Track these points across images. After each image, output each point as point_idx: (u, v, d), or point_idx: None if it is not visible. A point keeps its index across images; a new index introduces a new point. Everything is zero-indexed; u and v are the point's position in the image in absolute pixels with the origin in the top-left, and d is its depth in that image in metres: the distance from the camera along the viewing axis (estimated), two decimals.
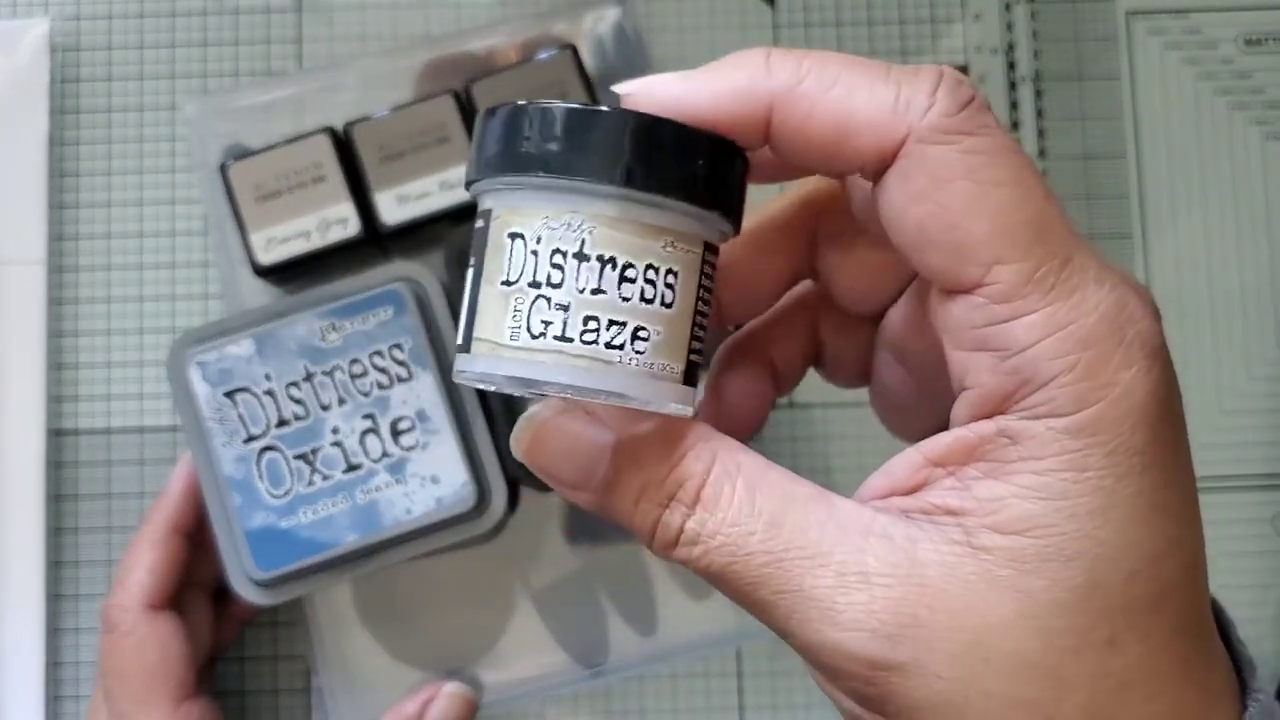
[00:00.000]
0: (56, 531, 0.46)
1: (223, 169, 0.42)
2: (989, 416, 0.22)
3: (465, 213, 0.42)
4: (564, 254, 0.21)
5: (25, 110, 0.47)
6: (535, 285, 0.21)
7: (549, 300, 0.21)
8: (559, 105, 0.21)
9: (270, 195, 0.42)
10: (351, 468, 0.38)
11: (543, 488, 0.37)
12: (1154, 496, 0.22)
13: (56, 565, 0.46)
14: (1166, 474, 0.23)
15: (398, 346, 0.38)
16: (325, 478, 0.38)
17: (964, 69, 0.49)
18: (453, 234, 0.39)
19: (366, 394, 0.38)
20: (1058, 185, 0.49)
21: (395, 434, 0.38)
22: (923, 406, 0.26)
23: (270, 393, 0.38)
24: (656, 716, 0.46)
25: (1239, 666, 0.24)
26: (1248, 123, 0.49)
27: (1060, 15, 0.49)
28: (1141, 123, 0.49)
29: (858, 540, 0.22)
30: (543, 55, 0.42)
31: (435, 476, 0.38)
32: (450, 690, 0.41)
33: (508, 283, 0.21)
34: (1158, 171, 0.49)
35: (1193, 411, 0.50)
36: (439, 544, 0.38)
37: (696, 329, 0.23)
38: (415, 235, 0.42)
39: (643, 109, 0.23)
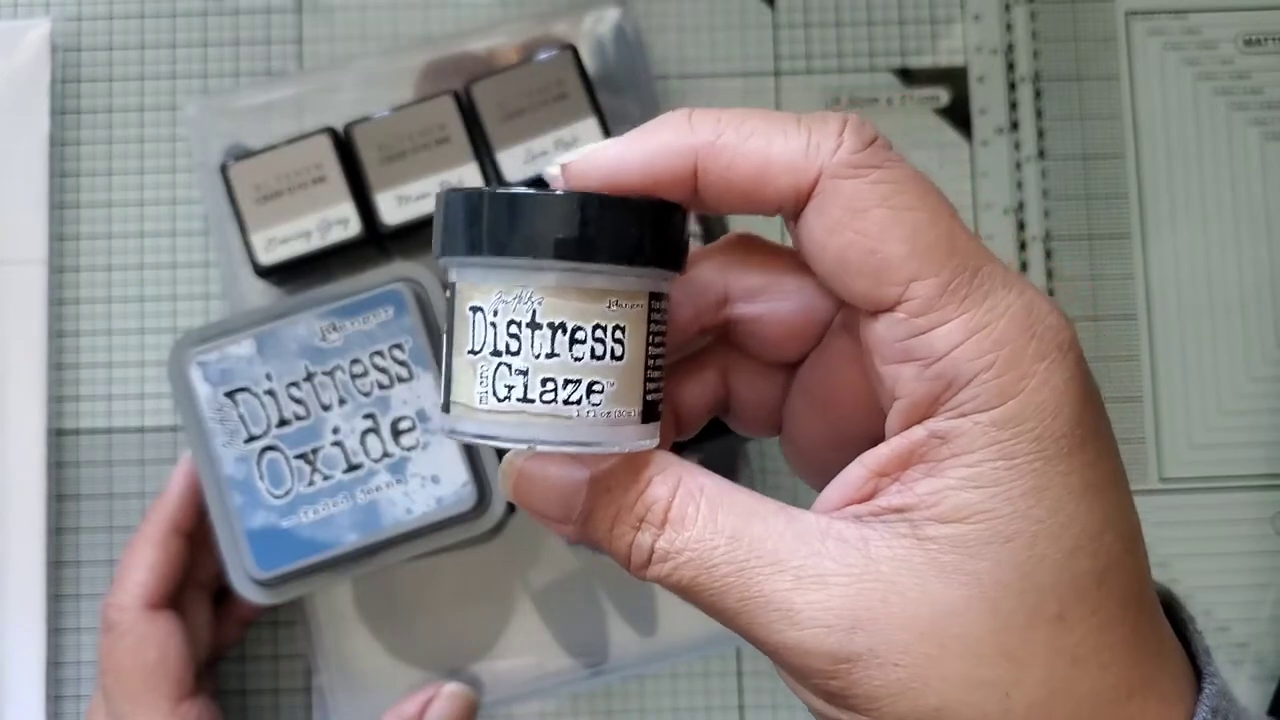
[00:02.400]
0: (57, 531, 0.46)
1: (223, 169, 0.42)
2: (920, 422, 0.24)
3: None
4: (518, 324, 0.24)
5: (26, 110, 0.47)
6: (496, 354, 0.24)
7: (509, 367, 0.24)
8: (506, 191, 0.24)
9: (271, 195, 0.42)
10: (352, 467, 0.38)
11: None
12: (1085, 475, 0.23)
13: (57, 565, 0.46)
14: (1092, 454, 0.24)
15: (398, 346, 0.38)
16: (326, 477, 0.38)
17: (963, 69, 0.49)
18: None
19: (367, 394, 0.38)
20: (1057, 185, 0.49)
21: (396, 434, 0.38)
22: (836, 454, 0.26)
23: (271, 393, 0.38)
24: (656, 716, 0.46)
25: (1194, 654, 0.25)
26: (1247, 123, 0.49)
27: (1060, 16, 0.49)
28: (1141, 123, 0.49)
29: (815, 545, 0.24)
30: (543, 56, 0.42)
31: (435, 476, 0.38)
32: (451, 690, 0.41)
33: (473, 352, 0.24)
34: (1157, 171, 0.49)
35: (1192, 411, 0.50)
36: (439, 544, 0.38)
37: (650, 370, 0.25)
38: (415, 235, 0.42)
39: (581, 176, 0.25)
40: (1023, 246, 0.49)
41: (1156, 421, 0.48)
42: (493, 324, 0.24)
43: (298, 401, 0.38)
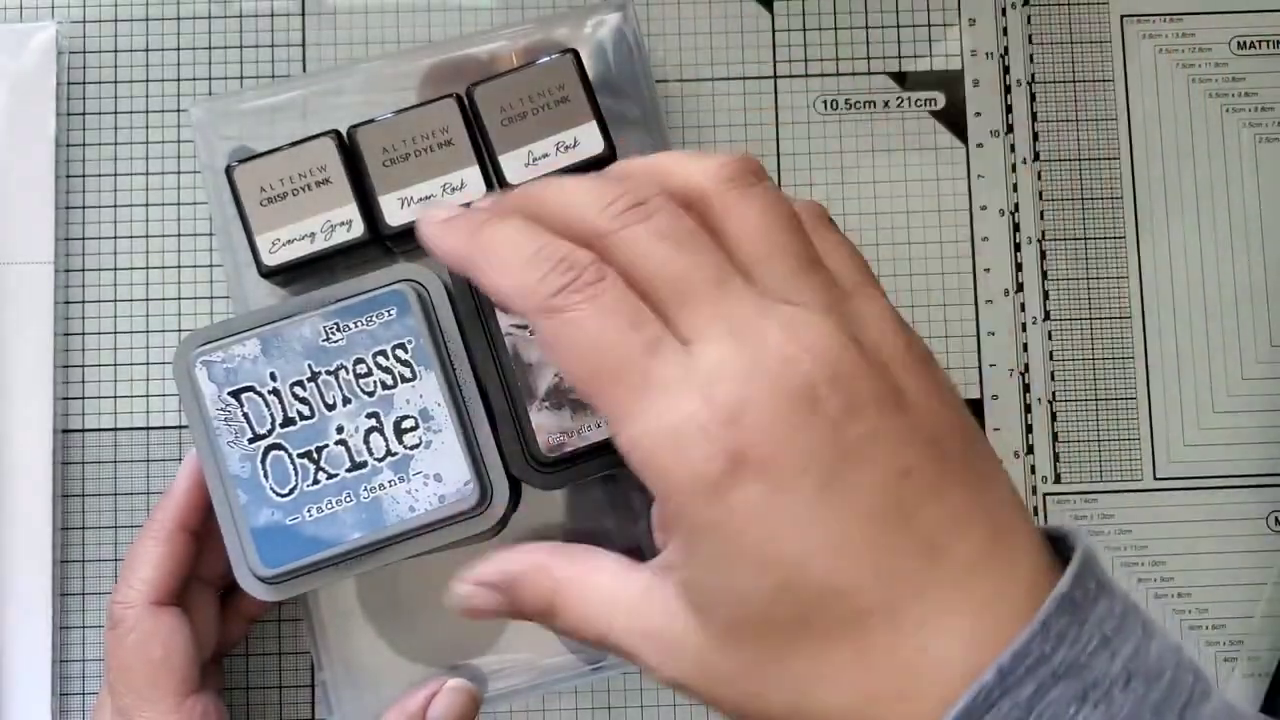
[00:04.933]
0: (64, 529, 0.46)
1: (228, 171, 0.42)
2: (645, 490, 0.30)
3: None
4: None
5: (32, 113, 0.47)
6: None
7: None
8: None
9: (275, 198, 0.42)
10: (356, 466, 0.38)
11: (547, 485, 0.38)
12: (752, 552, 0.28)
13: (64, 563, 0.46)
14: (754, 534, 0.28)
15: (401, 346, 0.38)
16: (330, 476, 0.38)
17: (959, 73, 0.50)
18: None
19: (370, 393, 0.38)
20: (1052, 187, 0.49)
21: (399, 433, 0.38)
22: None
23: (275, 392, 0.38)
24: (656, 710, 0.46)
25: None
26: (1240, 125, 0.50)
27: (1054, 19, 0.50)
28: (1135, 125, 0.50)
29: (639, 610, 0.31)
30: (544, 60, 0.42)
31: (438, 475, 0.38)
32: (454, 685, 0.42)
33: None
34: (1151, 173, 0.49)
35: (1186, 411, 0.51)
36: (441, 541, 0.38)
37: None
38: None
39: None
40: (1018, 248, 0.49)
41: (1150, 421, 0.48)
42: None
43: (302, 401, 0.38)
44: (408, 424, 0.38)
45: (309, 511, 0.38)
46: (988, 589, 0.28)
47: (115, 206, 0.48)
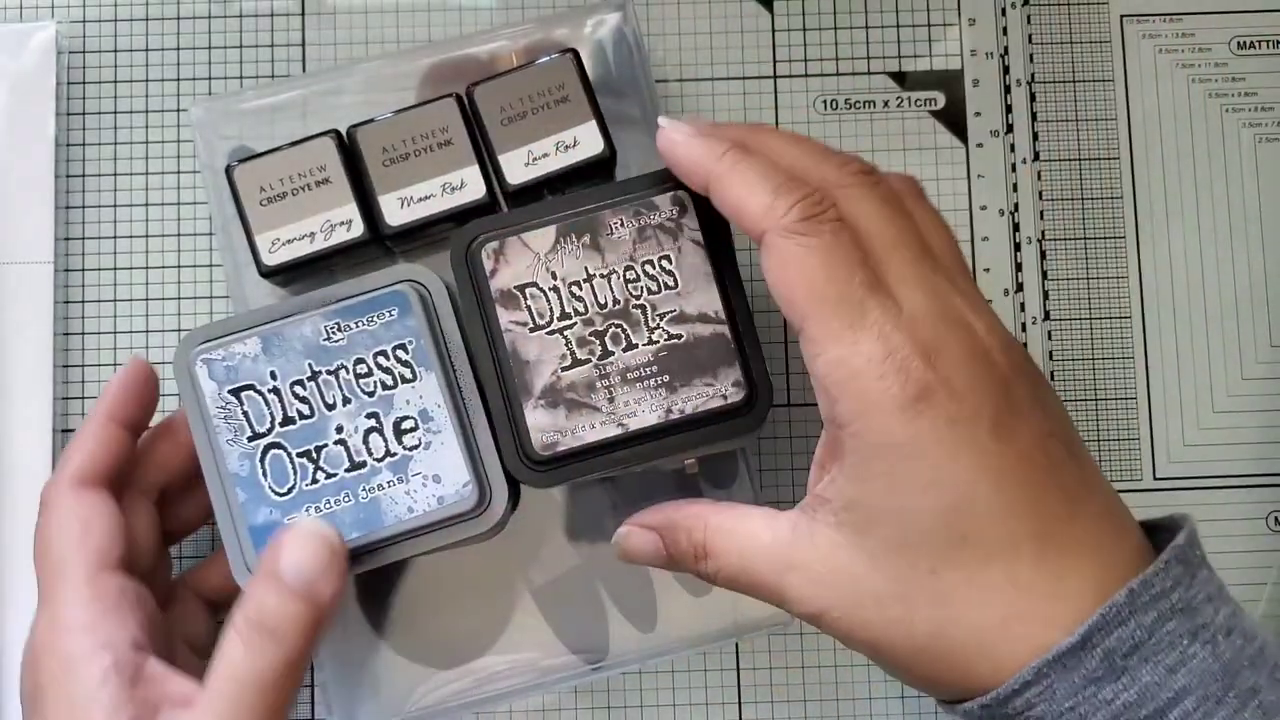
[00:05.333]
0: None
1: (228, 171, 0.42)
2: (827, 416, 0.34)
3: (467, 214, 0.42)
4: None
5: (32, 113, 0.47)
6: None
7: None
8: None
9: (275, 197, 0.42)
10: (355, 466, 0.38)
11: (539, 484, 0.38)
12: (931, 469, 0.32)
13: None
14: (935, 455, 0.32)
15: (401, 347, 0.38)
16: (329, 475, 0.38)
17: (959, 73, 0.50)
18: (457, 234, 0.40)
19: (370, 394, 0.38)
20: (1051, 187, 0.49)
21: (399, 433, 0.38)
22: None
23: (276, 391, 0.38)
24: (656, 710, 0.47)
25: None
26: (1240, 125, 0.50)
27: (1054, 19, 0.50)
28: (1135, 125, 0.50)
29: (786, 548, 0.35)
30: (544, 59, 0.42)
31: (437, 476, 0.38)
32: (303, 529, 0.37)
33: None
34: (1151, 173, 0.49)
35: (1185, 411, 0.51)
36: (440, 542, 0.38)
37: None
38: (418, 237, 0.43)
39: (664, 147, 0.37)
40: (1018, 248, 0.49)
41: (1150, 421, 0.48)
42: None
43: (302, 400, 0.38)
44: (407, 425, 0.38)
45: (307, 510, 0.38)
46: (1109, 542, 0.33)
47: (115, 206, 0.48)
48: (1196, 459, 0.48)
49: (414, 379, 0.38)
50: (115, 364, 0.47)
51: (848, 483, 0.33)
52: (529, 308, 0.38)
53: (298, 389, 0.38)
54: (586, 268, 0.38)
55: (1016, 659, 0.31)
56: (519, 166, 0.42)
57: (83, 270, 0.48)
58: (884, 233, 0.35)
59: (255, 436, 0.38)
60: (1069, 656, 0.31)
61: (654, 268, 0.38)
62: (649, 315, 0.38)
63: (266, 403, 0.38)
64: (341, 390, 0.38)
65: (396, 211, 0.42)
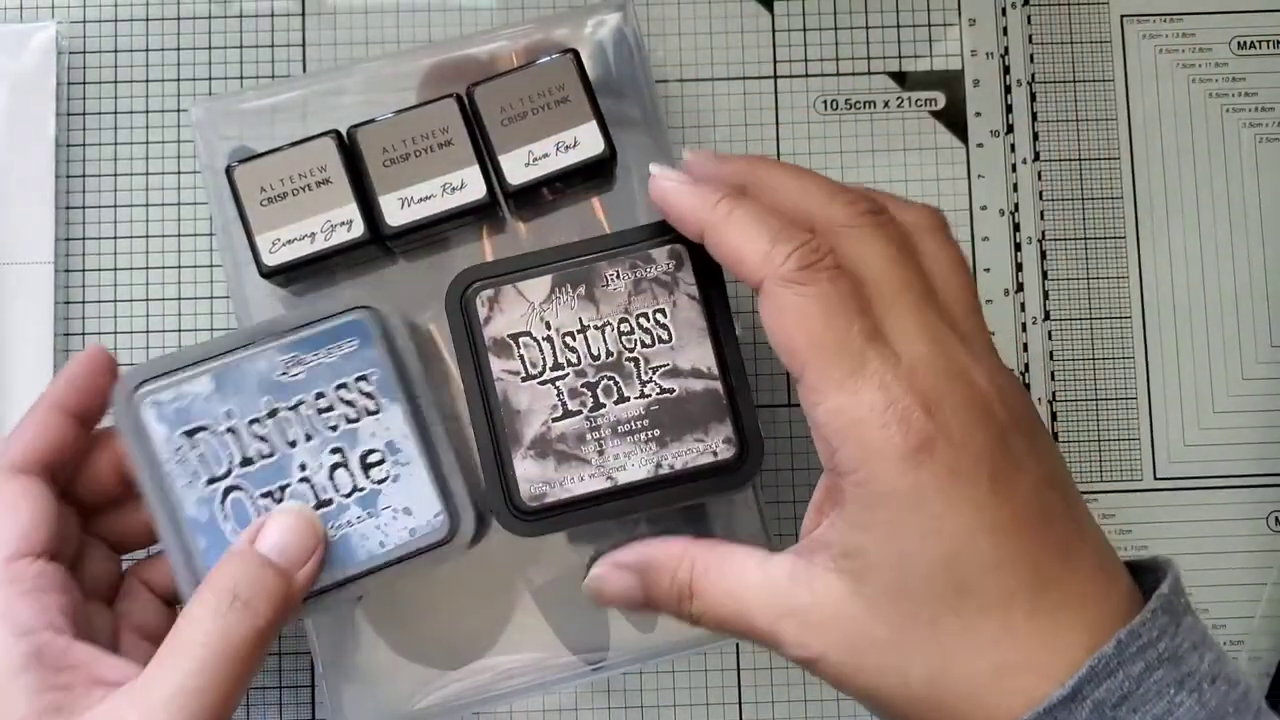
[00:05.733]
0: None
1: (228, 172, 0.42)
2: (828, 464, 0.34)
3: (467, 215, 0.42)
4: None
5: (32, 113, 0.47)
6: None
7: None
8: None
9: (276, 198, 0.42)
10: (321, 504, 0.37)
11: (525, 533, 0.38)
12: (934, 519, 0.32)
13: None
14: (939, 504, 0.32)
15: (364, 379, 0.37)
16: None
17: (959, 73, 0.50)
18: (453, 280, 0.39)
19: (334, 428, 0.37)
20: (1052, 187, 0.49)
21: (365, 467, 0.37)
22: None
23: (232, 430, 0.37)
24: (656, 710, 0.47)
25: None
26: (1240, 125, 0.50)
27: (1055, 19, 0.50)
28: (1135, 125, 0.50)
29: (782, 594, 0.34)
30: (544, 59, 0.42)
31: (408, 508, 0.37)
32: (293, 510, 0.37)
33: None
34: (1151, 173, 0.49)
35: (1186, 411, 0.51)
36: (411, 572, 0.38)
37: None
38: (418, 237, 0.43)
39: (655, 193, 0.37)
40: (1018, 248, 0.49)
41: (1151, 421, 0.48)
42: None
43: (261, 439, 0.37)
44: (374, 458, 0.37)
45: None
46: (1100, 592, 0.33)
47: (115, 206, 0.48)
48: (1197, 459, 0.48)
49: (378, 411, 0.37)
50: (116, 365, 0.47)
51: (848, 529, 0.33)
52: (522, 357, 0.38)
53: (256, 427, 0.37)
54: (581, 318, 0.38)
55: (1010, 711, 0.32)
56: (519, 167, 0.42)
57: (83, 270, 0.48)
58: (886, 278, 0.34)
59: (213, 480, 0.37)
60: (1060, 708, 0.31)
61: (648, 321, 0.38)
62: (642, 368, 0.38)
63: (223, 444, 0.37)
64: (303, 426, 0.37)
65: (397, 212, 0.42)
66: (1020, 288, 0.49)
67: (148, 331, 0.47)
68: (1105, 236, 0.49)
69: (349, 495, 0.37)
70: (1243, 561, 0.48)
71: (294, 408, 0.37)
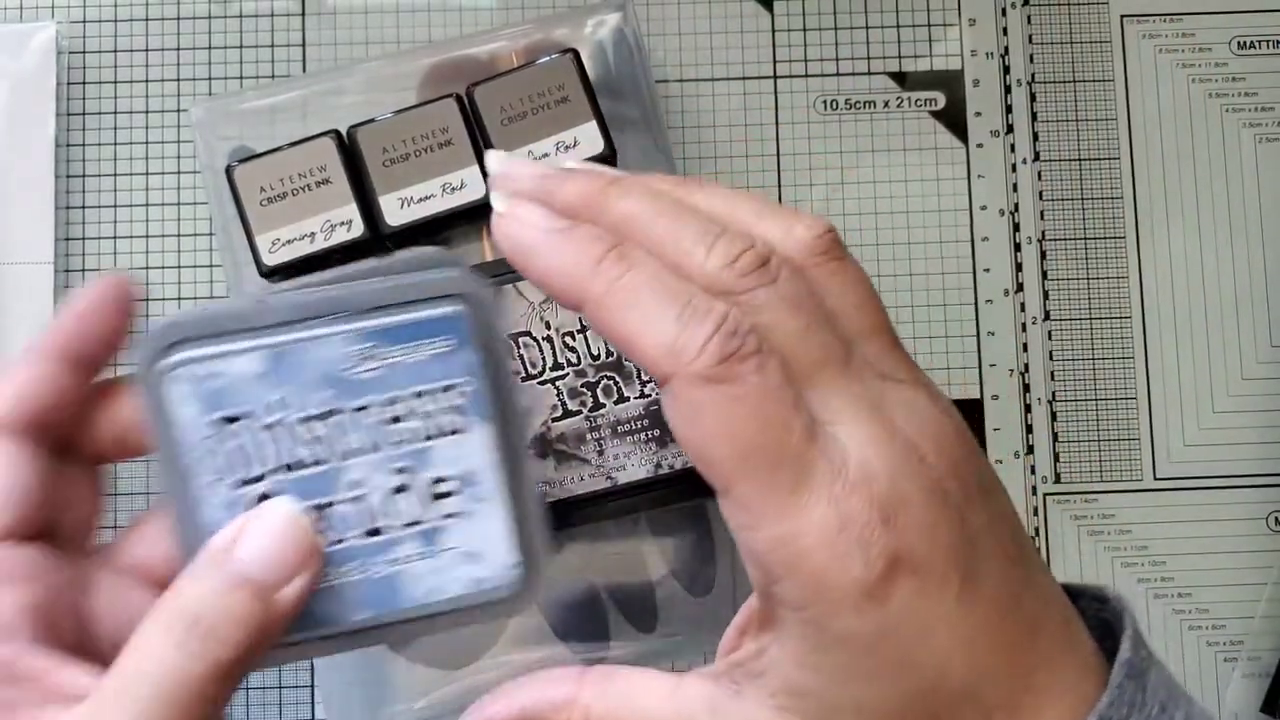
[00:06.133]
0: None
1: (228, 171, 0.42)
2: (762, 591, 0.27)
3: (466, 215, 0.42)
4: None
5: (32, 113, 0.47)
6: None
7: None
8: None
9: (275, 198, 0.42)
10: (372, 532, 0.30)
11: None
12: (895, 655, 0.26)
13: None
14: (896, 644, 0.26)
15: (452, 388, 0.30)
16: (338, 541, 0.29)
17: (959, 73, 0.50)
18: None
19: (404, 443, 0.30)
20: (1052, 187, 0.49)
21: (433, 497, 0.30)
22: None
23: (279, 426, 0.29)
24: None
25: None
26: (1240, 125, 0.50)
27: (1055, 19, 0.50)
28: (1135, 125, 0.50)
29: (702, 716, 0.28)
30: (544, 59, 0.42)
31: (475, 554, 0.30)
32: (280, 513, 0.29)
33: None
34: (1151, 173, 0.49)
35: (1186, 411, 0.51)
36: (461, 625, 0.31)
37: None
38: (417, 237, 0.43)
39: (501, 234, 0.28)
40: (1018, 248, 0.49)
41: (1150, 421, 0.48)
42: None
43: (312, 442, 0.29)
44: (445, 487, 0.30)
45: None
46: (1069, 664, 0.28)
47: (115, 206, 0.48)
48: (1197, 459, 0.48)
49: (462, 430, 0.30)
50: (114, 364, 0.47)
51: (794, 668, 0.27)
52: (521, 357, 0.38)
53: (308, 427, 0.29)
54: (581, 318, 0.38)
55: None
56: None
57: (83, 270, 0.48)
58: (801, 350, 0.27)
59: (246, 482, 0.29)
60: None
61: None
62: (641, 368, 0.38)
63: (264, 440, 0.29)
64: (366, 434, 0.29)
65: (397, 211, 0.42)
66: (1020, 288, 0.49)
67: (147, 332, 0.47)
68: (1105, 236, 0.49)
69: (407, 527, 0.30)
70: (1243, 562, 0.48)
71: (359, 410, 0.29)
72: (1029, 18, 0.50)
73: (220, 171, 0.43)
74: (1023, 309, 0.49)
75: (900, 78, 0.50)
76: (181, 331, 0.29)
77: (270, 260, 0.42)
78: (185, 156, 0.48)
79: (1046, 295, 0.49)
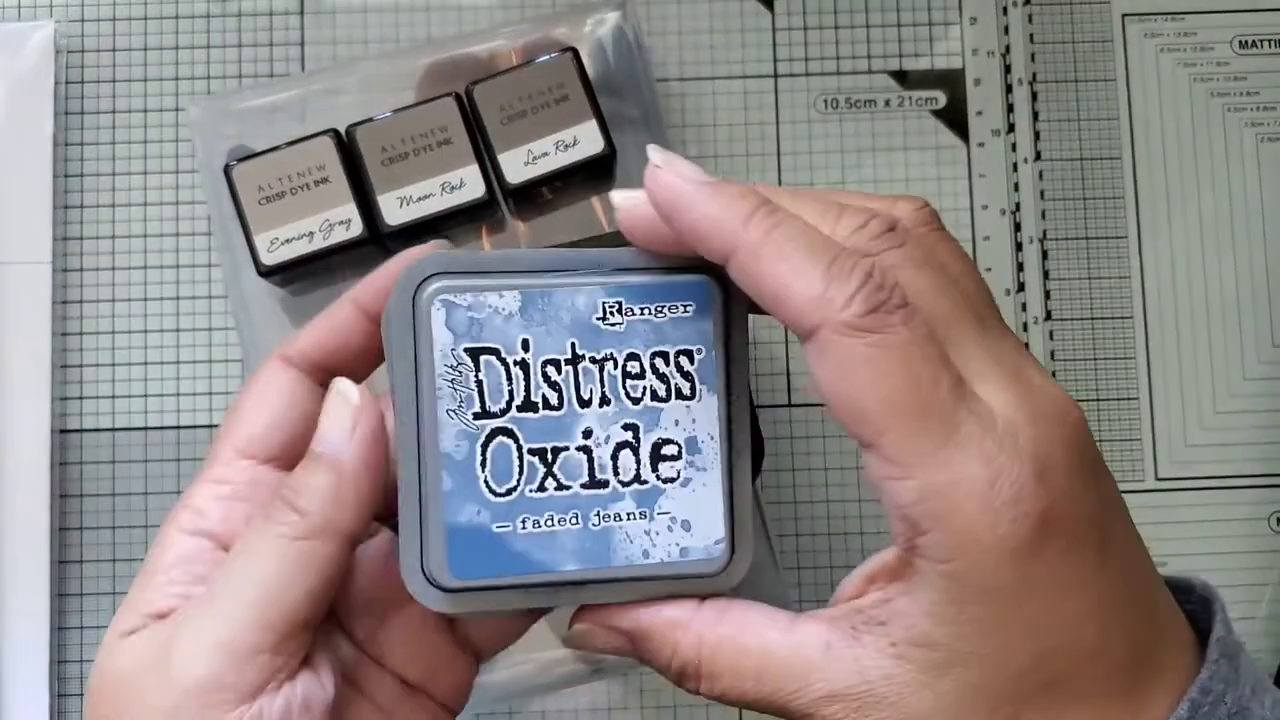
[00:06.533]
0: (61, 530, 0.46)
1: (227, 170, 0.42)
2: (901, 544, 0.28)
3: (466, 214, 0.42)
4: None
5: (30, 112, 0.47)
6: None
7: None
8: None
9: (274, 197, 0.42)
10: (594, 484, 0.30)
11: None
12: (1031, 616, 0.27)
13: (61, 564, 0.46)
14: (1040, 602, 0.27)
15: (687, 354, 0.30)
16: (561, 486, 0.30)
17: (960, 72, 0.50)
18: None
19: (636, 400, 0.30)
20: (1053, 186, 0.49)
21: (656, 458, 0.31)
22: None
23: (523, 365, 0.30)
24: (656, 712, 0.46)
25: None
26: (1242, 124, 0.50)
27: (1056, 18, 0.50)
28: (1136, 124, 0.49)
29: (819, 670, 0.28)
30: (544, 58, 0.42)
31: (687, 522, 0.31)
32: (342, 389, 0.31)
33: None
34: (1153, 173, 0.49)
35: (1187, 411, 0.51)
36: (656, 593, 0.31)
37: None
38: (417, 237, 0.43)
39: (629, 221, 0.29)
40: (1019, 247, 0.49)
41: (1152, 421, 0.48)
42: None
43: (552, 385, 0.30)
44: (669, 450, 0.31)
45: (523, 523, 0.30)
46: (1178, 638, 0.29)
47: (113, 206, 0.48)
48: (1198, 459, 0.48)
49: (691, 396, 0.31)
50: (114, 364, 0.47)
51: (924, 618, 0.27)
52: None
53: (551, 370, 0.30)
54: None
55: None
56: (518, 166, 0.42)
57: (81, 270, 0.48)
58: (938, 309, 0.28)
59: (484, 415, 0.30)
60: None
61: None
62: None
63: (509, 376, 0.30)
64: (603, 385, 0.30)
65: (395, 211, 0.42)
66: (1021, 287, 0.49)
67: (145, 331, 0.47)
68: (1106, 236, 0.49)
69: (628, 484, 0.30)
70: (1244, 562, 0.48)
71: (600, 361, 0.30)
72: (1030, 16, 0.50)
73: (218, 170, 0.43)
74: (1024, 309, 0.49)
75: (901, 77, 0.49)
76: (445, 263, 0.30)
77: (268, 259, 0.42)
78: (183, 155, 0.48)
79: (1048, 295, 0.49)
